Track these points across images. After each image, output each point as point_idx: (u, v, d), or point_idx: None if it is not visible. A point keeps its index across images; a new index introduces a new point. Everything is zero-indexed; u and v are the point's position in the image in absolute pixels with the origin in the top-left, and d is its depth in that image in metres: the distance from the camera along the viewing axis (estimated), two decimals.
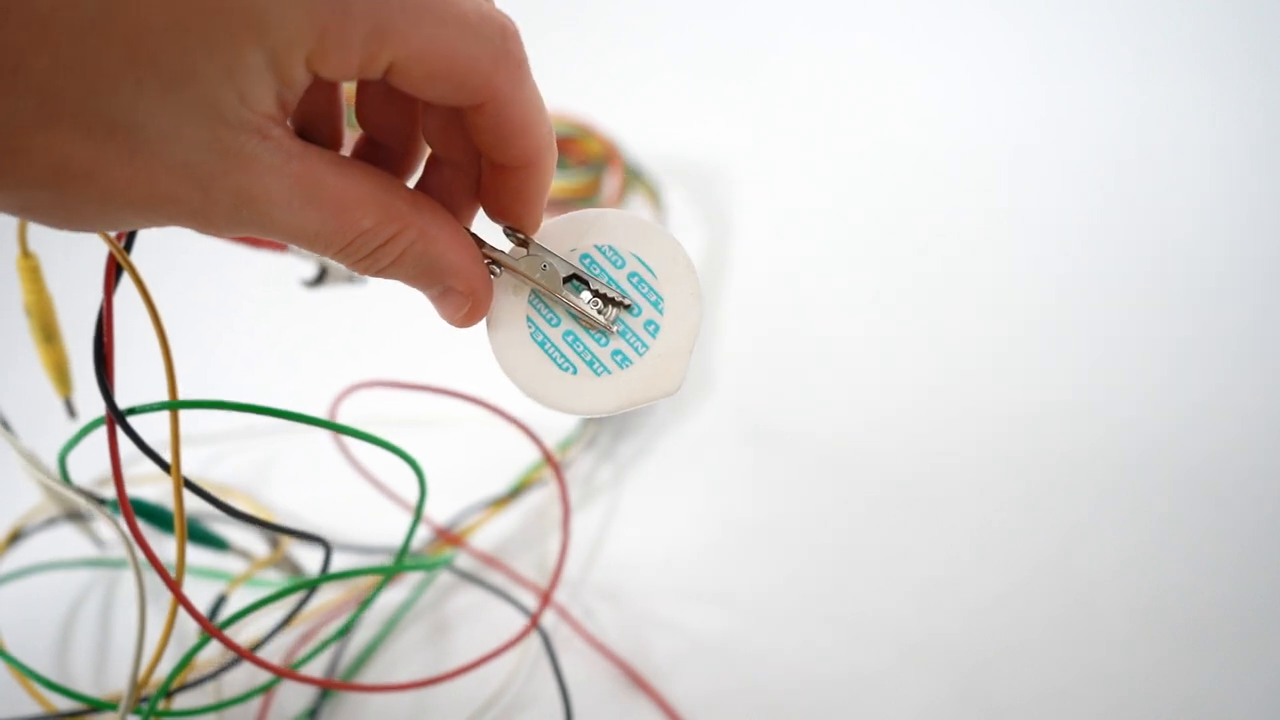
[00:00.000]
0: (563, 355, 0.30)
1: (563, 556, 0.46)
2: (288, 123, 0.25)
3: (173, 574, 0.32)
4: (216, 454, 0.56)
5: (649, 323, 0.30)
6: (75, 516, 0.47)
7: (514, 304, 0.30)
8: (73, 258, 0.40)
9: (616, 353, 0.30)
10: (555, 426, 0.54)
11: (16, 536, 0.47)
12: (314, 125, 0.28)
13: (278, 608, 0.42)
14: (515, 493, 0.52)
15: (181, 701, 0.43)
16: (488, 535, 0.52)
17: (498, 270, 0.30)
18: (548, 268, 0.30)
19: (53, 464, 0.39)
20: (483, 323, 0.30)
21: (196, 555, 0.48)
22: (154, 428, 0.32)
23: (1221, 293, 0.60)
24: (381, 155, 0.29)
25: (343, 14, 0.23)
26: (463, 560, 0.51)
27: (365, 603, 0.40)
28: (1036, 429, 0.55)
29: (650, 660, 0.46)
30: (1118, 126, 0.72)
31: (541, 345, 0.30)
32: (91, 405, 0.34)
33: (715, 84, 0.79)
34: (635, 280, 0.30)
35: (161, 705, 0.37)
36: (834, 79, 0.78)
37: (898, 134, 0.73)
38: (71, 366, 0.41)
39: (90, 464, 0.43)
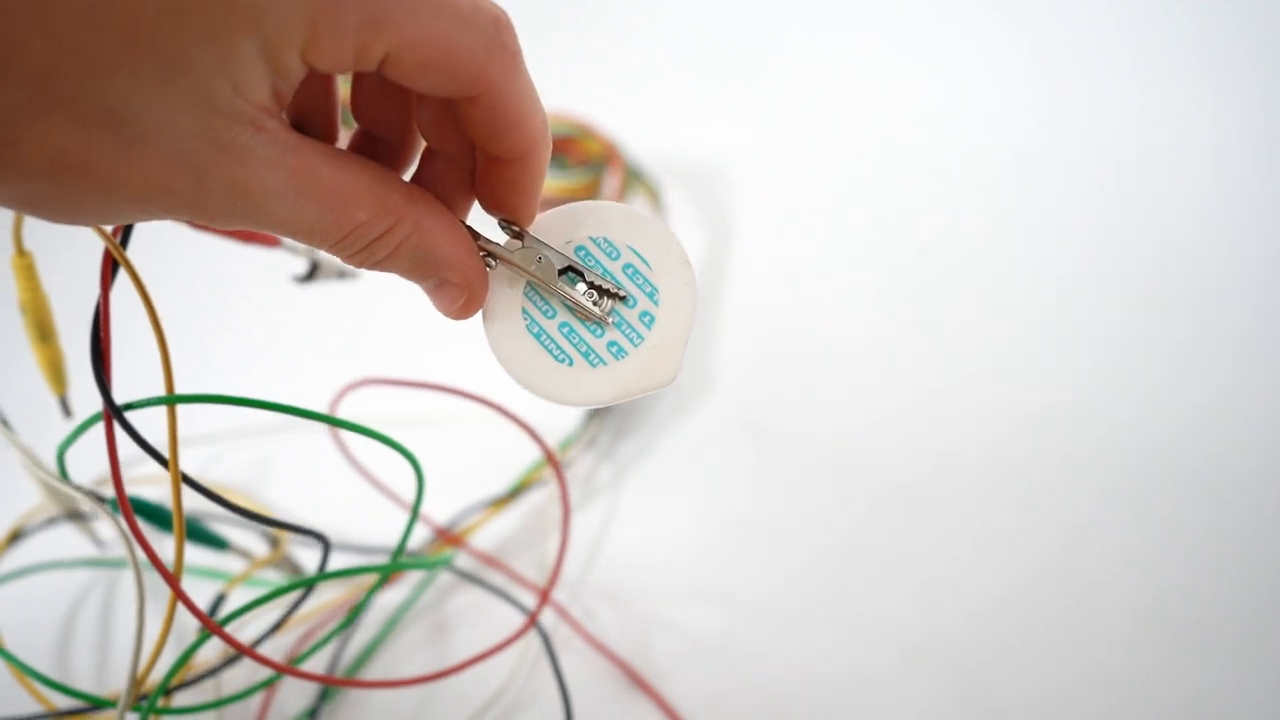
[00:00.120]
0: (558, 347, 0.30)
1: (562, 556, 0.46)
2: (283, 115, 0.25)
3: (171, 571, 0.32)
4: (215, 454, 0.56)
5: (644, 314, 0.30)
6: (75, 516, 0.47)
7: (509, 296, 0.30)
8: (68, 256, 0.40)
9: (612, 344, 0.30)
10: (556, 426, 0.54)
11: (16, 536, 0.47)
12: (309, 119, 0.28)
13: (276, 607, 0.42)
14: (515, 492, 0.52)
15: (181, 699, 0.42)
16: (487, 535, 0.52)
17: (493, 263, 0.30)
18: (543, 260, 0.30)
19: (51, 462, 0.39)
20: (478, 316, 0.30)
21: (196, 555, 0.48)
22: (152, 427, 0.32)
23: (1222, 294, 0.60)
24: (377, 149, 0.29)
25: (336, 4, 0.23)
26: (463, 560, 0.51)
27: (366, 597, 0.40)
28: (1037, 430, 0.54)
29: (650, 660, 0.46)
30: (1118, 128, 0.72)
31: (537, 337, 0.30)
32: (89, 405, 0.34)
33: (716, 85, 0.79)
34: (630, 272, 0.30)
35: (160, 703, 0.37)
36: (835, 80, 0.78)
37: (899, 135, 0.73)
38: (67, 365, 0.41)
39: (89, 465, 0.43)
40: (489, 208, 0.30)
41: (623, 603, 0.49)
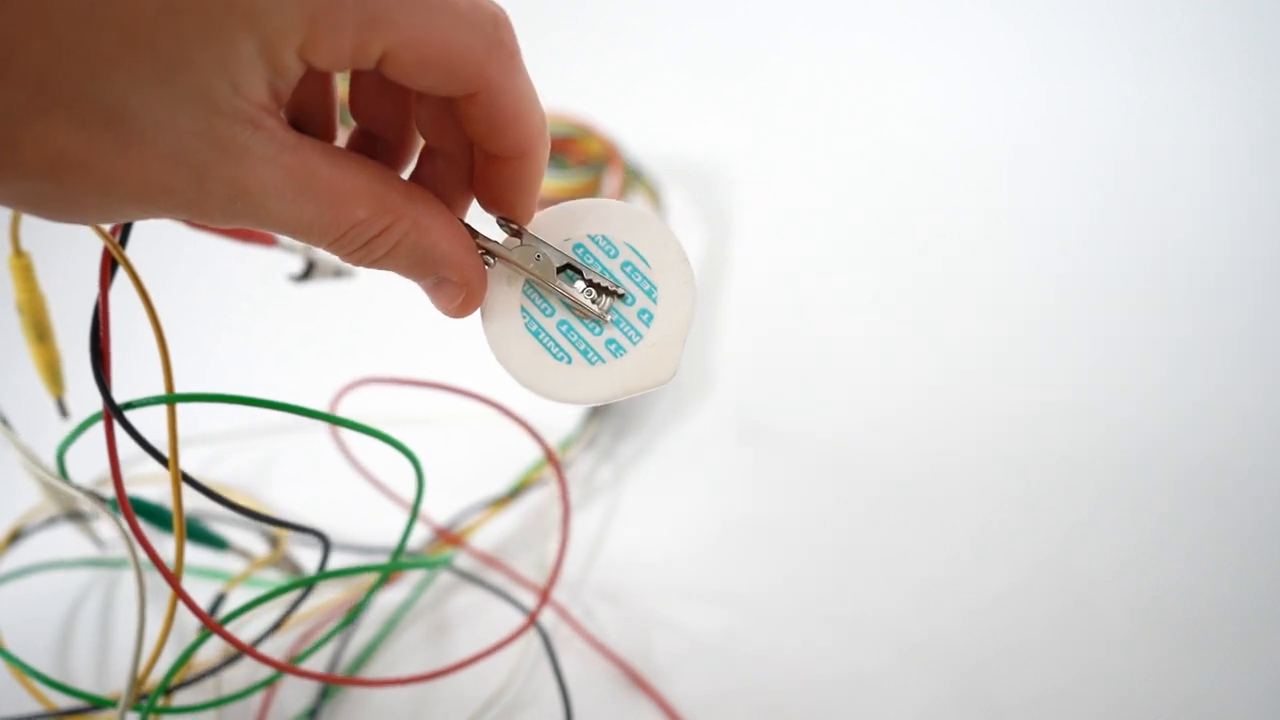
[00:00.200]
0: (557, 345, 0.30)
1: (562, 556, 0.46)
2: (281, 114, 0.25)
3: (171, 569, 0.32)
4: (215, 454, 0.56)
5: (643, 311, 0.30)
6: (75, 516, 0.47)
7: (508, 294, 0.30)
8: (67, 256, 0.40)
9: (611, 342, 0.30)
10: (555, 425, 0.54)
11: (16, 536, 0.47)
12: (307, 118, 0.28)
13: (276, 606, 0.42)
14: (515, 492, 0.52)
15: (181, 699, 0.42)
16: (487, 535, 0.52)
17: (492, 261, 0.30)
18: (541, 258, 0.30)
19: (51, 462, 0.39)
20: (477, 314, 0.30)
21: (196, 555, 0.48)
22: (152, 427, 0.32)
23: (1221, 293, 0.60)
24: (375, 147, 0.29)
25: (334, 3, 0.23)
26: (463, 560, 0.51)
27: (366, 597, 0.40)
28: (1036, 429, 0.54)
29: (650, 660, 0.46)
30: (1118, 126, 0.72)
31: (536, 335, 0.30)
32: (89, 404, 0.34)
33: (715, 84, 0.79)
34: (629, 269, 0.30)
35: (161, 702, 0.37)
36: (834, 79, 0.78)
37: (898, 134, 0.73)
38: (64, 366, 0.41)
39: (89, 465, 0.43)
40: (487, 206, 0.30)
41: (623, 602, 0.49)
